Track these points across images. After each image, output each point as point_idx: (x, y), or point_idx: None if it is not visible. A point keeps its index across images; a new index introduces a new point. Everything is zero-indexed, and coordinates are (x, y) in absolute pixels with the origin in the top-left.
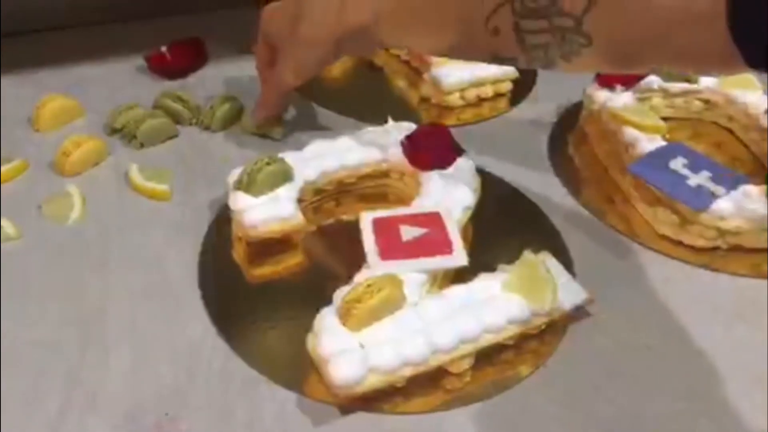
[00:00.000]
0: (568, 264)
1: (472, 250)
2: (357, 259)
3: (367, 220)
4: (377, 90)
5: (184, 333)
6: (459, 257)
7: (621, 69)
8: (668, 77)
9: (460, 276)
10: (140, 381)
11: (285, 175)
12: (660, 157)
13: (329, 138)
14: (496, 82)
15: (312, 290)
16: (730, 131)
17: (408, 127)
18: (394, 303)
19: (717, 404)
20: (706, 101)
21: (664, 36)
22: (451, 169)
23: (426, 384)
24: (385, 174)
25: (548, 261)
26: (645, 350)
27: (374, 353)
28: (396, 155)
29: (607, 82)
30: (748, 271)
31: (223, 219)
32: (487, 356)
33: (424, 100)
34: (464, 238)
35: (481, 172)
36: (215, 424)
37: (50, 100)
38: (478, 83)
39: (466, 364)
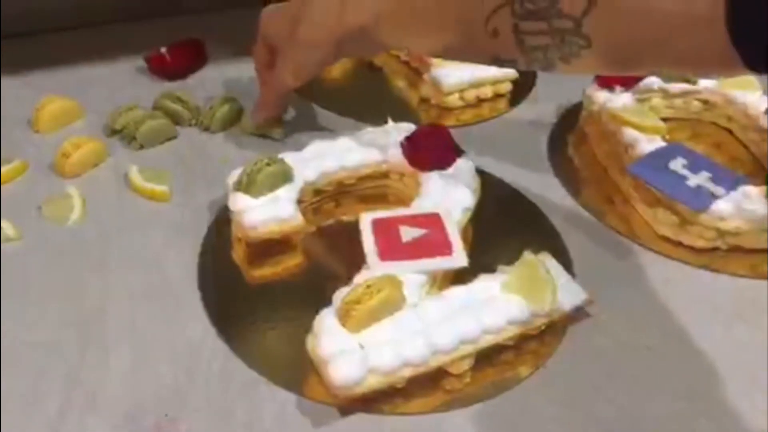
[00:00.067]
0: (567, 265)
1: (472, 250)
2: (357, 260)
3: (366, 220)
4: (377, 91)
5: (183, 334)
6: (459, 258)
7: (620, 71)
8: (668, 78)
9: (459, 277)
10: (140, 382)
11: (285, 176)
12: (659, 157)
13: (329, 139)
14: (495, 82)
15: (312, 291)
16: (730, 132)
17: (408, 127)
18: (393, 304)
19: (717, 404)
20: (706, 102)
21: (663, 38)
22: (450, 170)
23: (426, 385)
24: (384, 175)
25: (548, 262)
26: (645, 351)
27: (374, 354)
28: (396, 156)
29: (606, 82)
30: (747, 271)
31: (222, 220)
32: (486, 357)
33: (424, 100)
34: (464, 238)
35: (480, 172)
36: (215, 424)
37: (50, 102)
38: (478, 84)
39: (466, 364)
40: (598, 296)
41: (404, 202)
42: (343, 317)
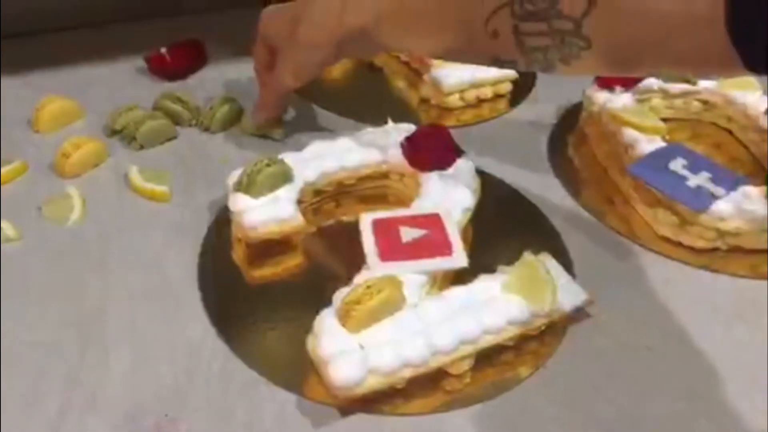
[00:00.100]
0: (567, 265)
1: (472, 251)
2: (357, 261)
3: (366, 221)
4: (377, 91)
5: (183, 334)
6: (459, 258)
7: (620, 72)
8: (667, 79)
9: (459, 277)
10: (140, 382)
11: (285, 177)
12: (660, 158)
13: (329, 139)
14: (495, 83)
15: (312, 291)
16: (730, 132)
17: (408, 128)
18: (393, 304)
19: (717, 405)
20: (706, 102)
21: (663, 39)
22: (450, 171)
23: (426, 385)
24: (384, 175)
25: (548, 262)
26: (645, 351)
27: (374, 354)
28: (396, 156)
29: (606, 83)
30: (747, 272)
31: (222, 220)
32: (486, 357)
33: (424, 101)
34: (464, 239)
35: (480, 173)
36: (215, 425)
37: (50, 102)
38: (478, 84)
39: (466, 365)
40: (598, 296)
41: (404, 202)
42: (344, 317)
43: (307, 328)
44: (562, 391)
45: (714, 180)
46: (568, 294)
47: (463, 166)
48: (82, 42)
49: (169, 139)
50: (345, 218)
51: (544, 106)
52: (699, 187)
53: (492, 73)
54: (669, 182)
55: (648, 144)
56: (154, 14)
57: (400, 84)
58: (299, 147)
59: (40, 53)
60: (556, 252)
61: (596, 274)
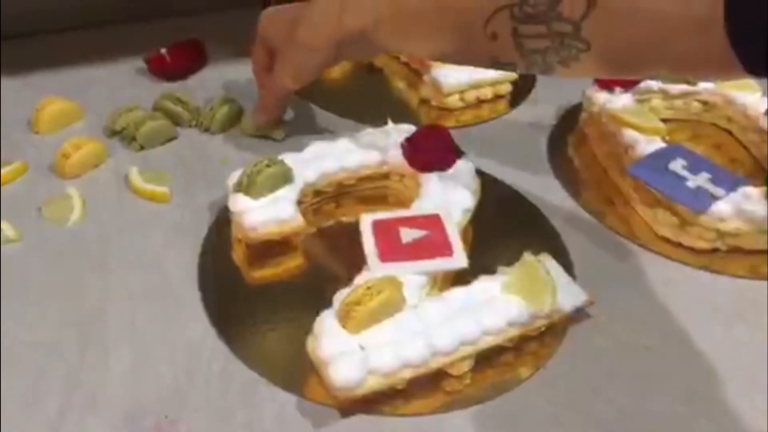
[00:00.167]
0: (567, 266)
1: (472, 252)
2: (357, 261)
3: (366, 222)
4: (377, 91)
5: (183, 334)
6: (459, 259)
7: (619, 75)
8: (666, 81)
9: (459, 278)
10: (140, 382)
11: (285, 177)
12: (659, 158)
13: (329, 140)
14: (495, 84)
15: (312, 292)
16: (730, 133)
17: (407, 128)
18: (393, 305)
19: (717, 405)
20: (705, 103)
21: (662, 42)
22: (450, 171)
23: (426, 386)
24: (384, 176)
25: (548, 263)
26: (645, 351)
27: (374, 355)
28: (396, 157)
29: (606, 83)
30: (747, 272)
31: (222, 221)
32: (487, 358)
33: (424, 101)
34: (464, 240)
35: (480, 173)
36: (215, 425)
37: (50, 103)
38: (478, 85)
39: (466, 366)
40: (598, 297)
41: (404, 203)
42: (344, 318)
43: (307, 329)
44: (562, 391)
45: (714, 181)
46: (568, 295)
47: (463, 166)
48: (82, 43)
49: (169, 140)
50: (345, 219)
51: (543, 106)
52: (699, 188)
53: (491, 73)
54: (669, 183)
55: (648, 145)
56: (154, 14)
57: (399, 85)
58: (299, 148)
59: (40, 54)
60: (556, 253)
61: (596, 274)
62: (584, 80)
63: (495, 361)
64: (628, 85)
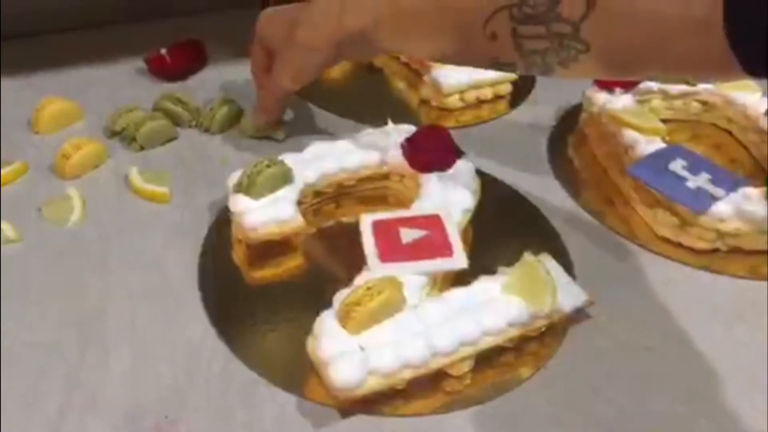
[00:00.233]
0: (567, 266)
1: (472, 252)
2: (357, 262)
3: (366, 222)
4: (377, 92)
5: (183, 335)
6: (459, 259)
7: (619, 76)
8: (666, 82)
9: (460, 278)
10: (140, 382)
11: (285, 178)
12: (659, 159)
13: (329, 140)
14: (495, 84)
15: (312, 292)
16: (730, 133)
17: (408, 129)
18: (394, 305)
19: (717, 405)
20: (705, 103)
21: (661, 43)
22: (450, 172)
23: (426, 386)
24: (384, 176)
25: (548, 263)
26: (645, 351)
27: (374, 356)
28: (396, 157)
29: (606, 84)
30: (747, 272)
31: (222, 221)
32: (487, 358)
33: (424, 102)
34: (464, 240)
35: (480, 174)
36: (215, 425)
37: (50, 103)
38: (478, 85)
39: (466, 366)
40: (599, 297)
41: (404, 203)
42: (344, 319)
43: (308, 329)
44: (562, 391)
45: (714, 181)
46: (568, 295)
47: (463, 167)
48: (82, 43)
49: (169, 140)
50: (345, 219)
51: (543, 107)
52: (699, 189)
53: (491, 74)
54: (669, 183)
55: (648, 145)
56: (154, 14)
57: (399, 85)
58: (299, 148)
59: (40, 54)
60: (556, 253)
61: (596, 274)
62: (584, 81)
63: (495, 362)
64: (628, 86)
